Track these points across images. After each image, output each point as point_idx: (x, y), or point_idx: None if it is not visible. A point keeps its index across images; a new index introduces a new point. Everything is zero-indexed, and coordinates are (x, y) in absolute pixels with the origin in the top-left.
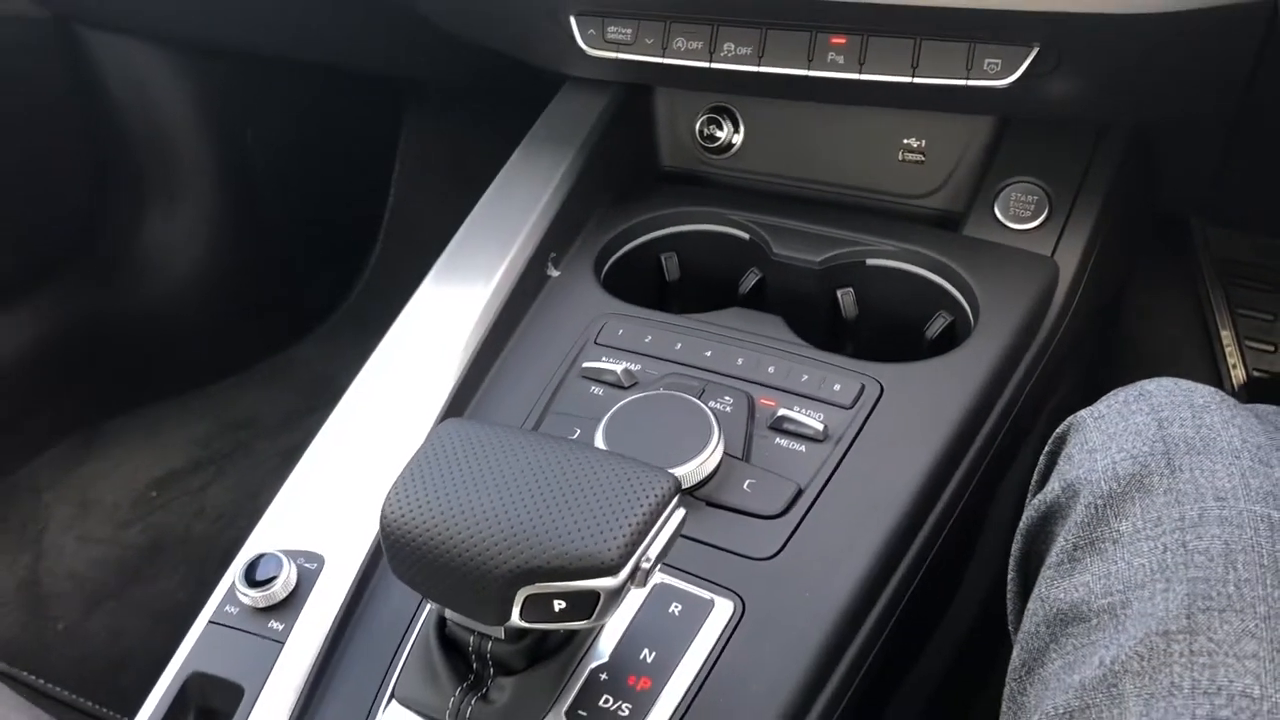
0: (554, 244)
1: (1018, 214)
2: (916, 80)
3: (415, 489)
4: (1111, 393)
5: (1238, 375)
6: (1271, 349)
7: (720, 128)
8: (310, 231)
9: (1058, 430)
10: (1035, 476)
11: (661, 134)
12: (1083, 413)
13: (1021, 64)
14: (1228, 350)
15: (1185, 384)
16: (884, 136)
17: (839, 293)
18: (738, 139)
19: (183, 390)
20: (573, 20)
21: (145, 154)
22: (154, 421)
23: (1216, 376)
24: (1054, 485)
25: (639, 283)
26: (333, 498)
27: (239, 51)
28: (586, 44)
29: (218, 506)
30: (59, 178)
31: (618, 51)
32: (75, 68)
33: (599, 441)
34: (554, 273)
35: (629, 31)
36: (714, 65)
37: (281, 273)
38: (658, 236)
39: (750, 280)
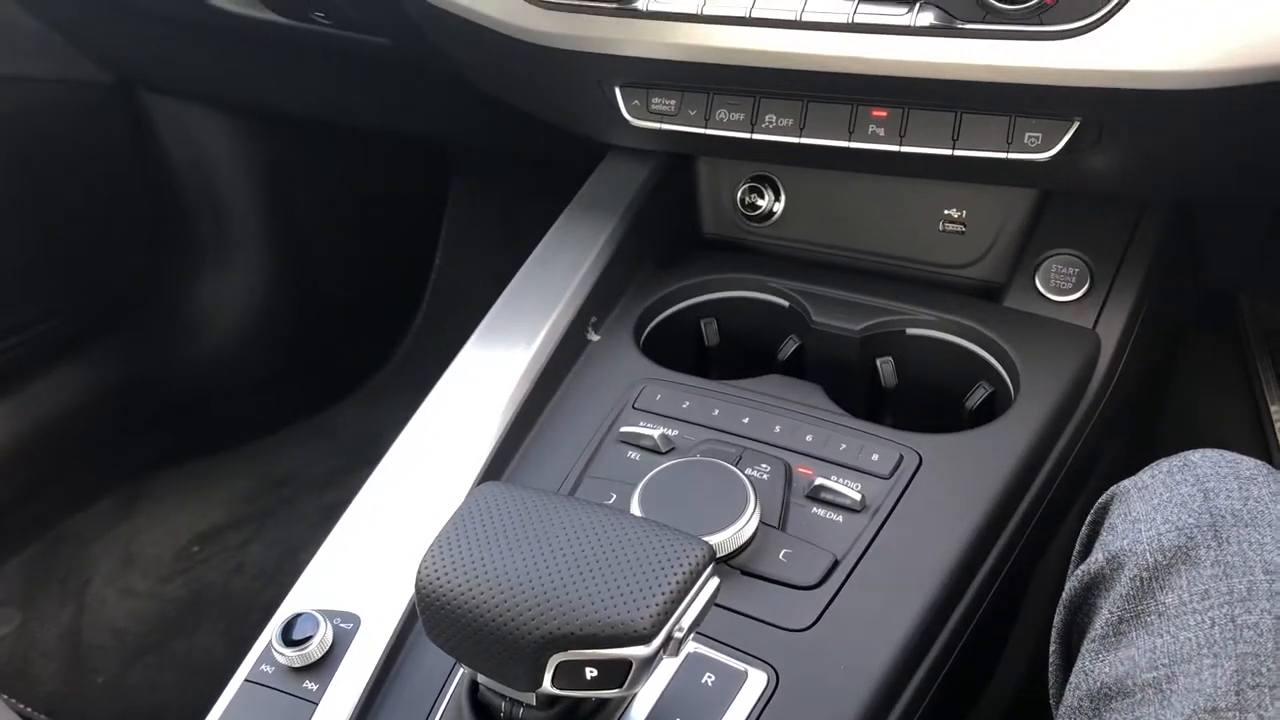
0: (595, 309)
1: (1059, 286)
2: (957, 153)
3: (450, 553)
4: (1155, 463)
5: None
6: None
7: (761, 196)
8: (357, 292)
9: (1100, 500)
10: (1078, 547)
11: (703, 202)
12: (1126, 483)
13: (1062, 138)
14: (1277, 423)
15: (1230, 455)
16: (925, 206)
17: (878, 361)
18: (779, 207)
19: (227, 446)
20: (618, 91)
21: (199, 214)
22: (198, 477)
23: (1265, 449)
24: (1097, 556)
25: (679, 348)
26: (371, 558)
27: (292, 117)
28: (631, 114)
29: (258, 563)
30: (114, 237)
31: (661, 122)
32: (135, 130)
33: (635, 507)
34: (594, 337)
35: (672, 103)
36: (755, 136)
37: (327, 332)
38: (698, 302)
39: (789, 347)
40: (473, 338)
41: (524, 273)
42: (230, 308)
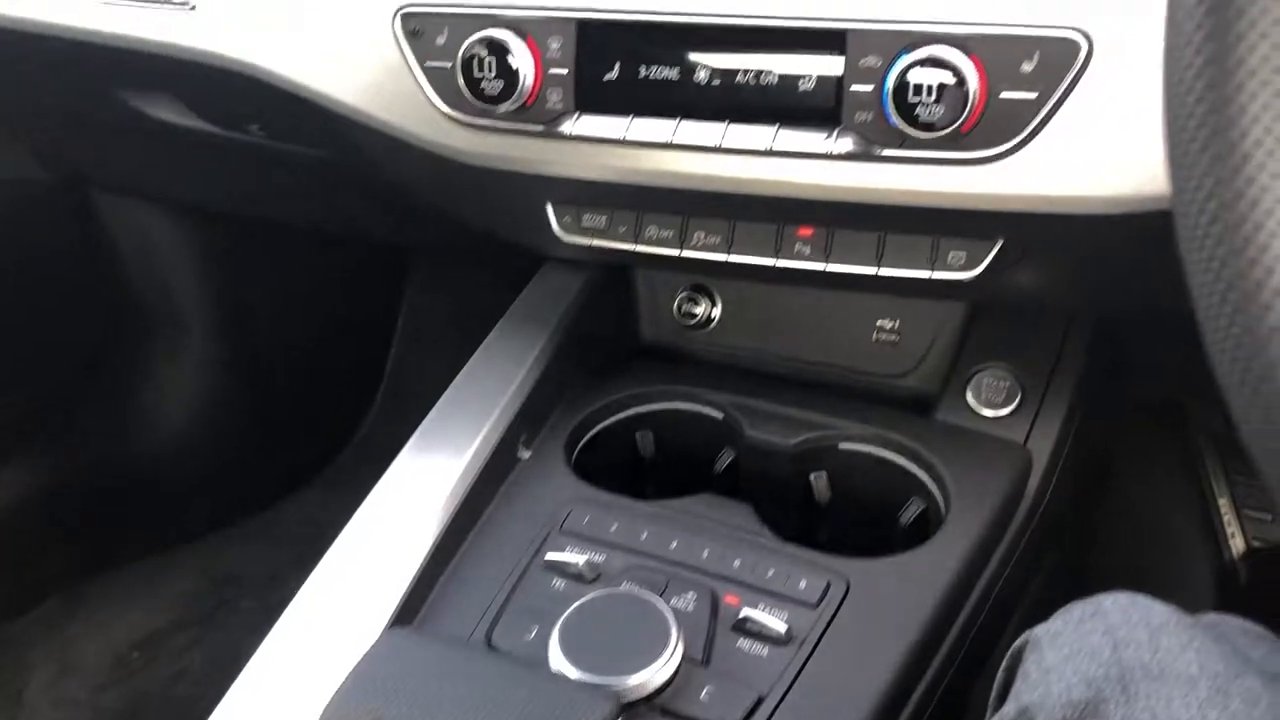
0: (526, 425)
1: (990, 400)
2: (881, 273)
3: (348, 710)
4: (1067, 608)
5: (1237, 544)
6: (1270, 518)
7: (698, 304)
8: (308, 387)
9: (1015, 645)
10: (994, 692)
11: (642, 310)
12: (1038, 630)
13: (985, 258)
14: (1226, 519)
15: (1142, 601)
16: (859, 316)
17: (812, 475)
18: (716, 313)
19: (171, 545)
20: (549, 208)
21: (146, 307)
22: (141, 578)
23: (1215, 546)
24: (1010, 708)
25: (614, 460)
26: (280, 704)
27: (240, 216)
28: (562, 231)
29: (200, 669)
30: (58, 331)
31: (592, 238)
32: (83, 226)
33: (554, 646)
34: (524, 455)
35: (603, 219)
36: (684, 254)
37: (276, 427)
38: (632, 415)
39: (725, 460)
40: (399, 457)
41: (453, 390)
42: (177, 402)
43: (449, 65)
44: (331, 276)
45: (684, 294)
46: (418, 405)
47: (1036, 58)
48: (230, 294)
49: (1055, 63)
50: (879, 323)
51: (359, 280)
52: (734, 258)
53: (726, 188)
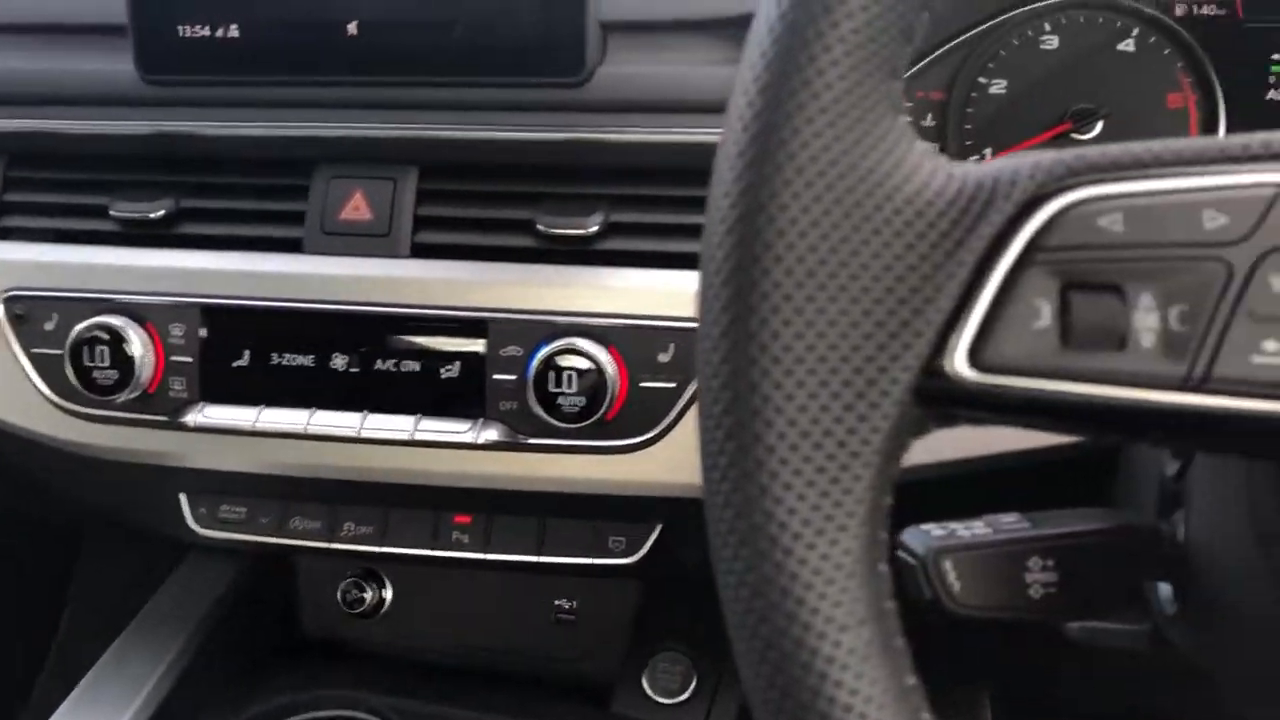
0: None
1: (666, 687)
2: (543, 559)
3: None
4: None
5: None
6: None
7: (366, 590)
8: None
9: None
10: None
11: (302, 598)
12: None
13: (647, 541)
14: None
15: None
16: (537, 596)
17: None
18: (387, 597)
19: None
20: (183, 499)
21: None
22: None
23: None
24: None
25: None
26: None
27: None
28: (197, 523)
29: None
30: None
31: (230, 531)
32: None
33: None
34: None
35: (243, 510)
36: (334, 545)
37: None
38: None
39: None
40: None
41: (74, 699)
42: None
43: (58, 353)
44: None
45: (350, 579)
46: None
47: (672, 349)
48: None
49: (691, 352)
50: (557, 602)
51: (21, 559)
52: (388, 549)
53: (370, 477)
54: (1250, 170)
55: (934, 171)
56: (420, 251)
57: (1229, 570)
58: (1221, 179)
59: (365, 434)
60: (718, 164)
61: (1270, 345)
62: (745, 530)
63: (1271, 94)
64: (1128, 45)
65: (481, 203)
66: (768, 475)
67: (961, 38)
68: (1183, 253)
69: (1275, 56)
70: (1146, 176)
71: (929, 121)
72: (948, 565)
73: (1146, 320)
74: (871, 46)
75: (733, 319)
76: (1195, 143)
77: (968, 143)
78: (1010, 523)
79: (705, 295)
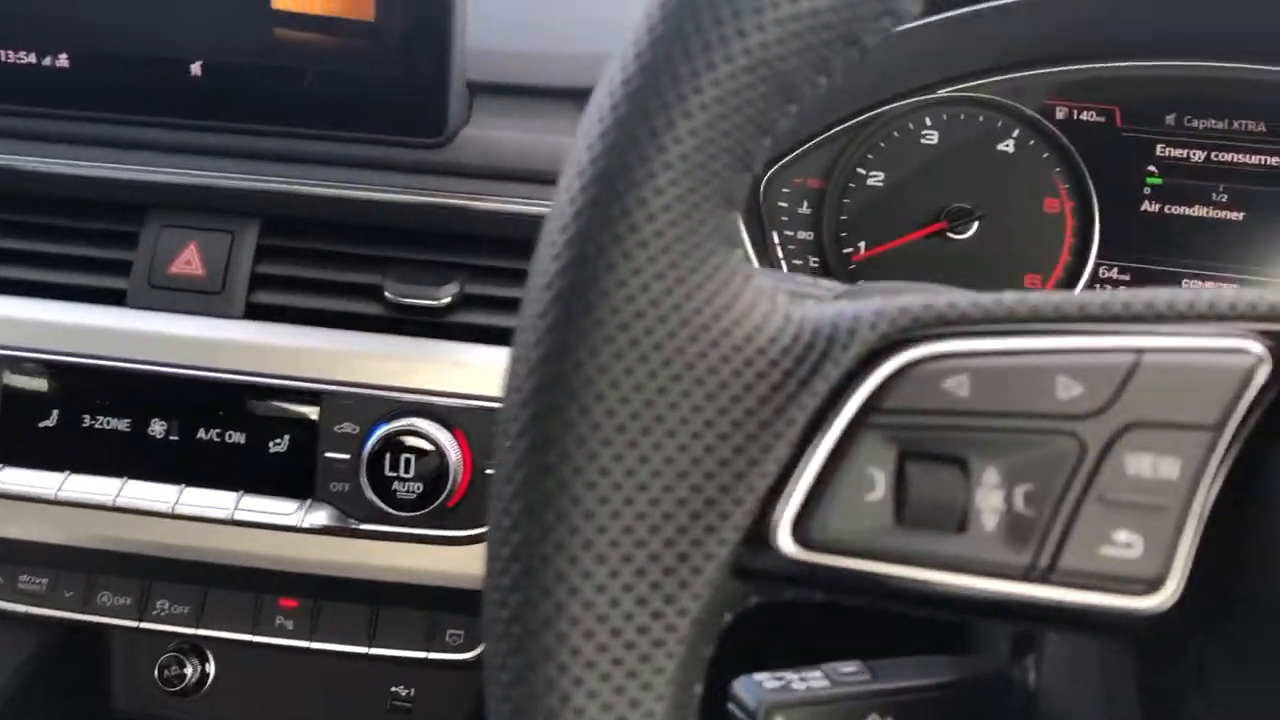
0: None
1: None
2: (374, 651)
3: None
4: None
5: None
6: None
7: (186, 665)
8: None
9: None
10: None
11: (114, 672)
12: None
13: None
14: None
15: None
16: (373, 680)
17: None
18: (210, 673)
19: None
20: None
21: None
22: None
23: None
24: None
25: None
26: None
27: None
28: None
29: None
30: None
31: (30, 605)
32: None
33: None
34: None
35: (44, 582)
36: (144, 625)
37: None
38: None
39: None
40: None
41: None
42: None
43: None
44: None
45: (170, 653)
46: None
47: None
48: None
49: None
50: (393, 689)
51: None
52: (204, 631)
53: (185, 555)
54: (1110, 333)
55: (769, 314)
56: (255, 313)
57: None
58: (1079, 341)
59: (181, 510)
60: (525, 296)
61: (1121, 535)
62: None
63: (1146, 206)
64: (1007, 146)
65: (326, 264)
66: (555, 668)
67: (842, 126)
68: (1032, 424)
69: (1151, 169)
70: (998, 334)
71: (805, 209)
72: None
73: (990, 499)
74: (702, 173)
75: (526, 478)
76: (1053, 298)
77: (843, 234)
78: (849, 673)
79: (499, 445)
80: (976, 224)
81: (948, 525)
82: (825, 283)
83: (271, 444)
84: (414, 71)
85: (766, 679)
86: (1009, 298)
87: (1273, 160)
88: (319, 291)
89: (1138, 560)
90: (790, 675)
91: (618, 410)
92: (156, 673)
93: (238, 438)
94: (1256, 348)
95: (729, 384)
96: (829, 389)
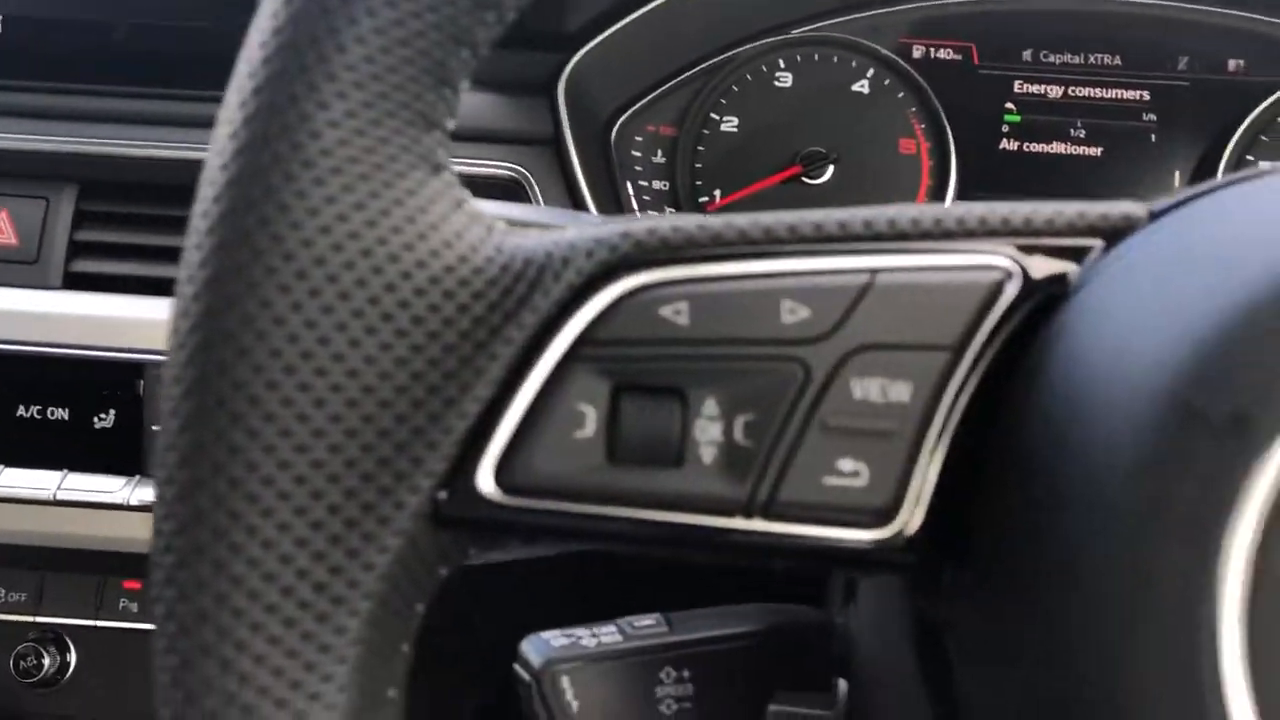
0: None
1: None
2: None
3: None
4: None
5: None
6: None
7: (45, 655)
8: None
9: None
10: None
11: None
12: None
13: None
14: None
15: None
16: None
17: None
18: (71, 662)
19: None
20: None
21: None
22: None
23: None
24: None
25: None
26: None
27: None
28: None
29: None
30: None
31: None
32: None
33: None
34: None
35: None
36: None
37: None
38: None
39: None
40: None
41: None
42: None
43: None
44: None
45: (28, 643)
46: None
47: None
48: None
49: None
50: None
51: None
52: (46, 619)
53: (13, 540)
54: (844, 255)
55: (477, 244)
56: (74, 282)
57: (884, 665)
58: (809, 263)
59: (1, 492)
60: (193, 214)
61: (846, 464)
62: (191, 685)
63: (1004, 144)
64: (862, 86)
65: (148, 228)
66: (214, 632)
67: (694, 70)
68: (754, 351)
69: (1009, 106)
70: (724, 258)
71: (659, 158)
72: (565, 682)
73: (708, 431)
74: (391, 81)
75: (185, 422)
76: (787, 218)
77: (698, 182)
78: (645, 626)
79: (165, 381)
80: (832, 168)
81: (663, 460)
82: (586, 216)
83: (96, 419)
84: (227, 23)
85: (555, 636)
86: (741, 220)
87: (1128, 94)
88: (140, 257)
89: (864, 490)
90: (582, 631)
91: (284, 349)
92: (12, 665)
93: (60, 414)
94: (1004, 263)
95: (425, 318)
96: (538, 321)
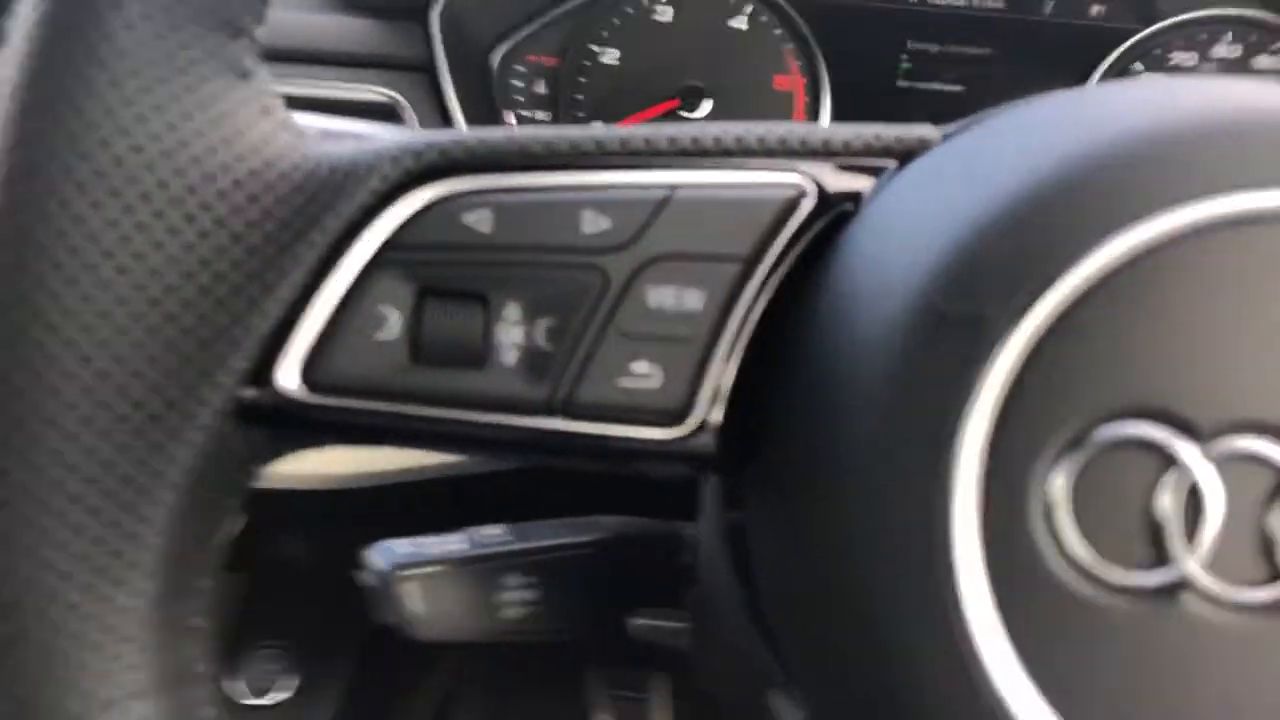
0: None
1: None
2: None
3: None
4: None
5: None
6: None
7: None
8: None
9: None
10: None
11: None
12: None
13: None
14: None
15: None
16: None
17: None
18: None
19: None
20: None
21: None
22: None
23: None
24: None
25: None
26: None
27: None
28: None
29: None
30: None
31: None
32: None
33: None
34: None
35: None
36: None
37: None
38: None
39: None
40: None
41: None
42: None
43: None
44: None
45: None
46: None
47: None
48: None
49: None
50: None
51: None
52: None
53: None
54: (647, 169)
55: (285, 151)
56: None
57: (709, 564)
58: (612, 177)
59: None
60: None
61: (640, 366)
62: None
63: (881, 81)
64: (739, 22)
65: None
66: (16, 520)
67: (575, 1)
68: (555, 258)
69: (911, 45)
70: (529, 169)
71: (541, 89)
72: (409, 587)
73: (510, 334)
74: None
75: None
76: (594, 133)
77: (579, 114)
78: (492, 535)
79: None
80: (709, 102)
81: (466, 362)
82: (407, 130)
83: None
84: None
85: (401, 544)
86: (548, 132)
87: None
88: None
89: (657, 391)
90: (429, 540)
91: (84, 248)
92: None
93: None
94: (799, 180)
95: (228, 220)
96: (341, 226)
